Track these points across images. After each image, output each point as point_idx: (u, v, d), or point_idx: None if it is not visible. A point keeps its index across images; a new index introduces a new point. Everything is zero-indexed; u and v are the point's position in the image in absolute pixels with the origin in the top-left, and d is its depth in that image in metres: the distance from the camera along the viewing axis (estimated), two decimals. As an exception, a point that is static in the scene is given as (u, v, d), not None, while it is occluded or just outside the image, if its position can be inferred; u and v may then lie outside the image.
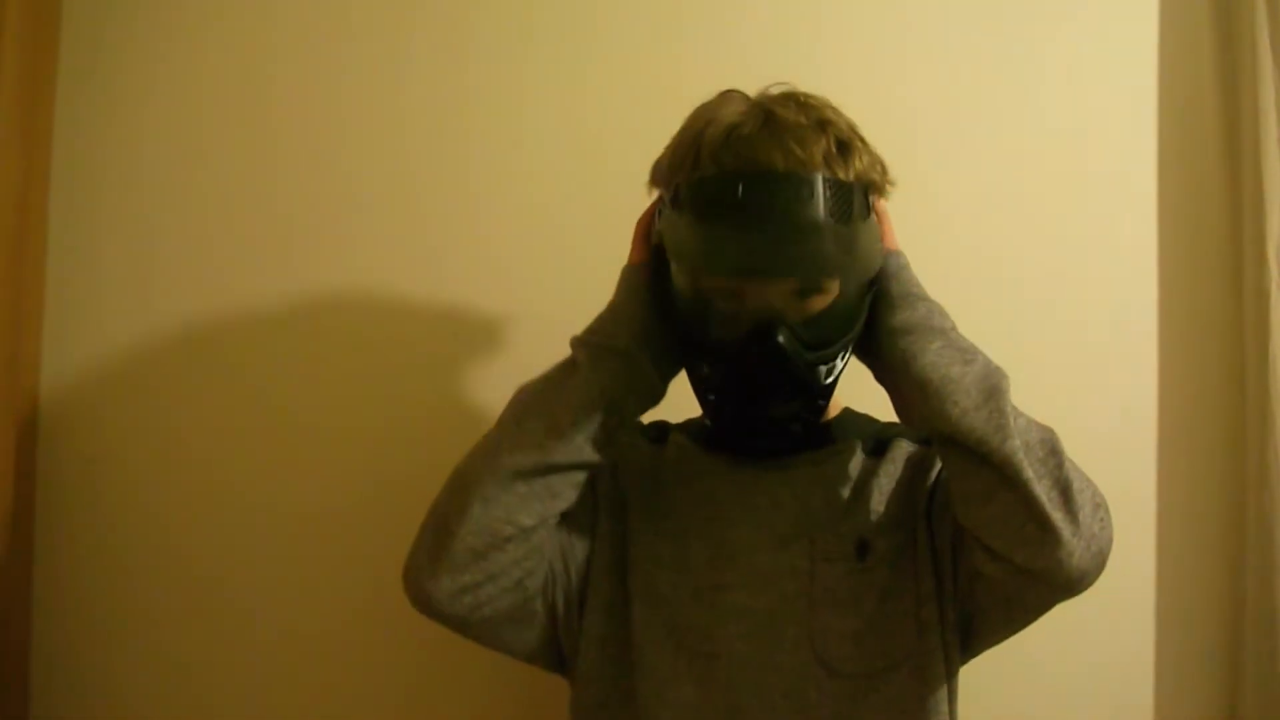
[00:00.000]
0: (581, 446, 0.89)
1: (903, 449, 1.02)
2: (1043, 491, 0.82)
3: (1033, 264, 1.33)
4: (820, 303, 0.91)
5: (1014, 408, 0.86)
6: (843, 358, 0.94)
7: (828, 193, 0.89)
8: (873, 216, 0.94)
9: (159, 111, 1.33)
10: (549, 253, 1.32)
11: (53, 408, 1.30)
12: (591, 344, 0.92)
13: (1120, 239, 1.34)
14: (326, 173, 1.32)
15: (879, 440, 1.03)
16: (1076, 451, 1.28)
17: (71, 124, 1.32)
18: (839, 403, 1.06)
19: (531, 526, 0.87)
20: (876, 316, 0.94)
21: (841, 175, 0.91)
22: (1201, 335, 1.33)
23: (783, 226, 0.87)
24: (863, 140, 0.98)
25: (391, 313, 1.32)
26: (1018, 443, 0.83)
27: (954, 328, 0.93)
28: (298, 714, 1.28)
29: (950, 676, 0.94)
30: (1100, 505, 0.87)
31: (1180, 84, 1.35)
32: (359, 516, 1.29)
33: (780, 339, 0.87)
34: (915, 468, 1.00)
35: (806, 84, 0.97)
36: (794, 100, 0.95)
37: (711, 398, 0.95)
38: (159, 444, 1.30)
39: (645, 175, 1.01)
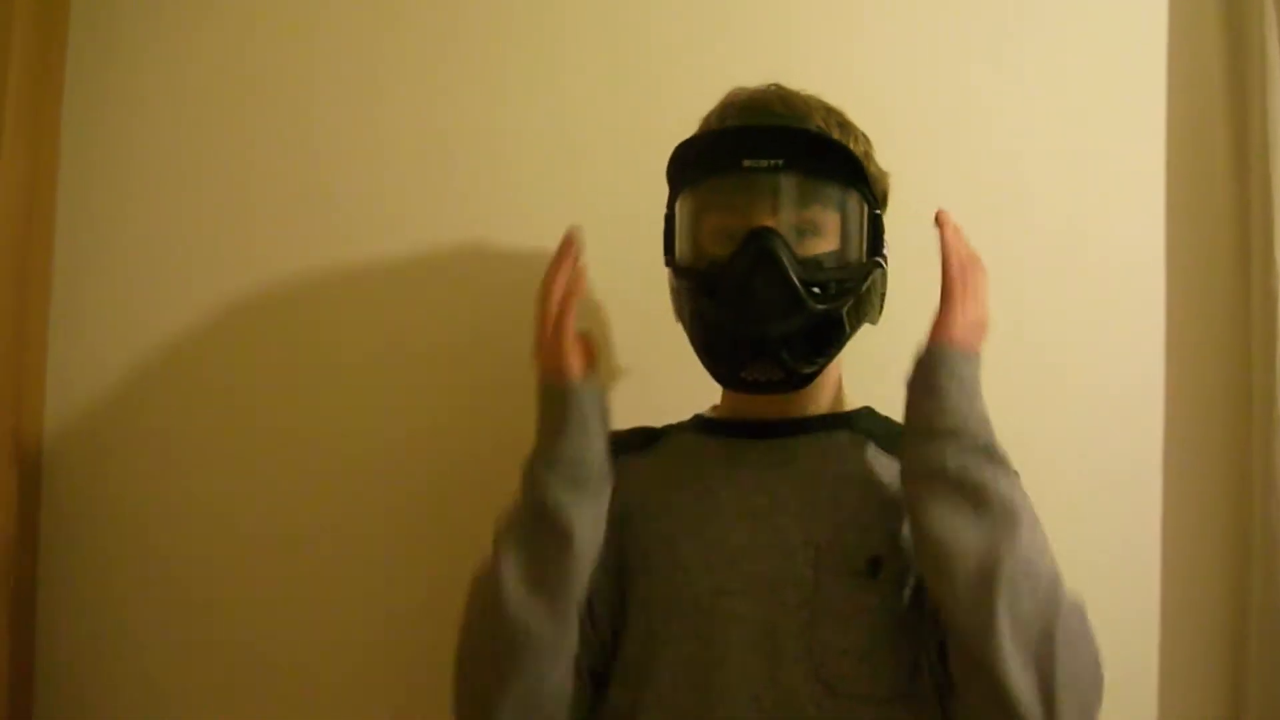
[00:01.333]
0: (588, 576, 0.90)
1: None
2: (1024, 691, 0.77)
3: (1039, 262, 1.31)
4: (814, 245, 0.92)
5: (1021, 564, 0.81)
6: (840, 308, 0.92)
7: (822, 143, 0.92)
8: (864, 207, 0.94)
9: (167, 113, 1.33)
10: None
11: (59, 410, 1.30)
12: (578, 485, 0.91)
13: (1127, 237, 1.32)
14: (344, 173, 1.31)
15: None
16: (1083, 449, 1.29)
17: (79, 127, 1.32)
18: (854, 399, 1.04)
19: (571, 642, 0.90)
20: (910, 405, 0.91)
21: (838, 137, 0.94)
22: (1208, 334, 1.31)
23: (777, 133, 0.91)
24: (866, 138, 0.99)
25: (404, 327, 1.30)
26: (1003, 642, 0.78)
27: (985, 446, 0.86)
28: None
29: (944, 715, 0.90)
30: (1087, 704, 0.81)
31: (1189, 81, 1.33)
32: (366, 529, 1.28)
33: (773, 244, 0.87)
34: None
35: (807, 81, 0.98)
36: (805, 92, 0.98)
37: (707, 334, 0.94)
38: (167, 451, 1.30)
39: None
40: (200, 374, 1.30)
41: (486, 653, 0.87)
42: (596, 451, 0.92)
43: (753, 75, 0.99)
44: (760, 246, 0.87)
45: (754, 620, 0.89)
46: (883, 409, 1.04)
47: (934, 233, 0.95)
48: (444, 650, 0.93)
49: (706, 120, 1.00)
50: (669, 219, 0.97)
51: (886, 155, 1.31)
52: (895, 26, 1.33)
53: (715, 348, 0.94)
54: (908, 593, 0.91)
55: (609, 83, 1.32)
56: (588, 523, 0.89)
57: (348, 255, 1.31)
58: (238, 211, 1.32)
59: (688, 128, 1.01)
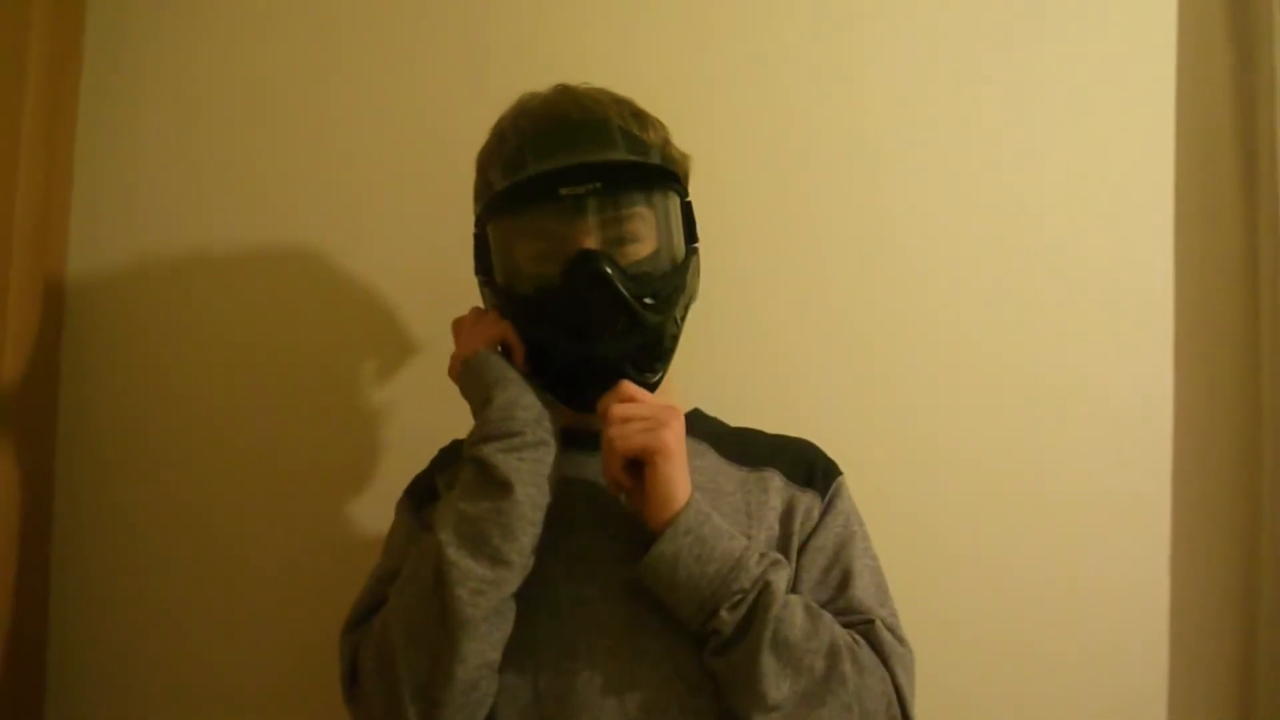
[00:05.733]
0: (529, 563, 0.88)
1: (777, 485, 0.99)
2: None
3: (1050, 270, 1.32)
4: (636, 251, 0.92)
5: None
6: (672, 312, 0.94)
7: (622, 137, 0.92)
8: (675, 201, 0.94)
9: (180, 113, 1.34)
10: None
11: (74, 409, 1.31)
12: (514, 447, 0.88)
13: (1136, 245, 1.33)
14: (352, 176, 1.33)
15: (741, 446, 1.02)
16: (1092, 457, 1.28)
17: (94, 125, 1.34)
18: (688, 400, 1.05)
19: (498, 659, 0.87)
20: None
21: (637, 132, 0.94)
22: (1217, 341, 1.32)
23: (581, 144, 0.90)
24: (660, 123, 0.99)
25: (410, 325, 1.32)
26: None
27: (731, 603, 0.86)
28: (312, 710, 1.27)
29: None
30: None
31: (1197, 92, 1.34)
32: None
33: (601, 265, 0.88)
34: (791, 513, 0.97)
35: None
36: (591, 88, 0.98)
37: (548, 361, 0.94)
38: (180, 439, 1.31)
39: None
40: (214, 367, 1.32)
41: (440, 641, 0.84)
42: (524, 406, 0.90)
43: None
44: (589, 269, 0.88)
45: (616, 624, 0.90)
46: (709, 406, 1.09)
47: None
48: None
49: (500, 129, 0.98)
50: (479, 238, 0.97)
51: (891, 166, 1.31)
52: (901, 35, 1.34)
53: (559, 377, 0.94)
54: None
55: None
56: (526, 478, 0.87)
57: (358, 253, 1.32)
58: (248, 213, 1.33)
59: None
